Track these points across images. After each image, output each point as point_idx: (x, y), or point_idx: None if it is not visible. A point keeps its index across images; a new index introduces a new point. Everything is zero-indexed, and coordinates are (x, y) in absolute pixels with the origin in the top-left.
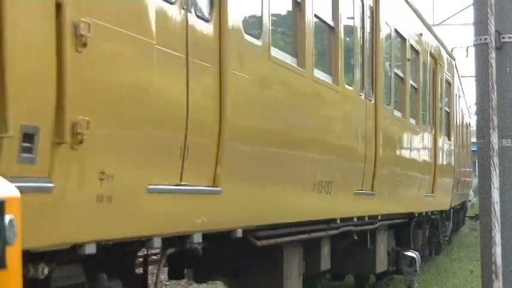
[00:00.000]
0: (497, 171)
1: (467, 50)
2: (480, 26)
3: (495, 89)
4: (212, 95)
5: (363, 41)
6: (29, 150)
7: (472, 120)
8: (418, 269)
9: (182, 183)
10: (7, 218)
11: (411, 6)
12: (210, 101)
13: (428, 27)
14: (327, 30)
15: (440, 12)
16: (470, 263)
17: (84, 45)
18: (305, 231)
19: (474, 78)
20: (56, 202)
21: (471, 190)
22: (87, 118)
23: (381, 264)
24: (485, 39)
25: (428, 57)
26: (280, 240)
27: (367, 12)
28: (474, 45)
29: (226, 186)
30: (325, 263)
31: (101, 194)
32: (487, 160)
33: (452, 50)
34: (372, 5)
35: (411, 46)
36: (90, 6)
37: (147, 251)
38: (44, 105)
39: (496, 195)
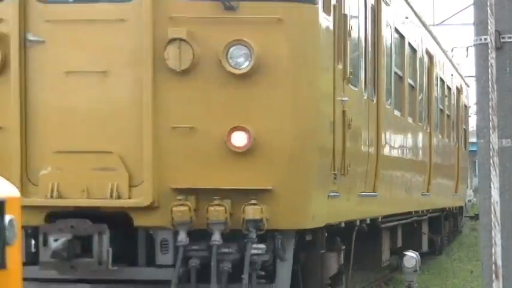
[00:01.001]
0: (497, 171)
1: (467, 50)
2: (480, 26)
3: (495, 89)
4: (374, 140)
5: (423, 89)
6: (335, 178)
7: (472, 120)
8: (418, 269)
9: (365, 191)
10: (7, 218)
11: (446, 55)
12: (374, 144)
13: (456, 68)
14: (410, 89)
15: (440, 12)
16: (470, 263)
17: (350, 127)
18: (392, 220)
19: (474, 78)
20: (338, 202)
21: (471, 190)
22: (350, 162)
23: (425, 245)
24: (485, 39)
25: (455, 91)
26: (390, 225)
27: (426, 71)
28: (474, 45)
29: (379, 192)
30: (399, 242)
31: (348, 197)
32: (487, 160)
33: (452, 50)
34: (429, 65)
35: (447, 86)
36: (349, 110)
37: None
38: (340, 159)
39: (496, 195)
